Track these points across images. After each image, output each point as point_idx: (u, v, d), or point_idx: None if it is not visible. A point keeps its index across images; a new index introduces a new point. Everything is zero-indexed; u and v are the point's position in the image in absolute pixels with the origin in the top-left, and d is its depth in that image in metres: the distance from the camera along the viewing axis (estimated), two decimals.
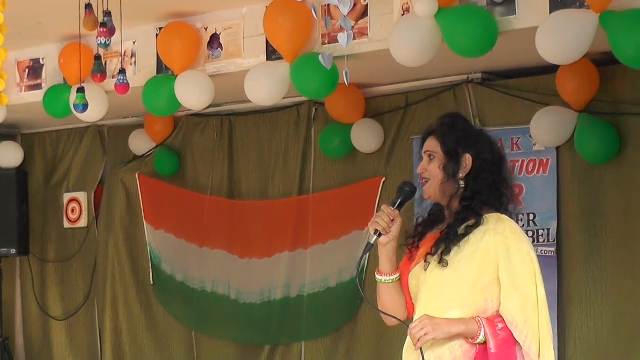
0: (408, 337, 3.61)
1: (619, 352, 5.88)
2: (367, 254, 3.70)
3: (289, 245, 7.18)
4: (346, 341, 7.00)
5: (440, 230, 3.70)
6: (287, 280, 7.18)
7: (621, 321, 5.89)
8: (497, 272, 3.56)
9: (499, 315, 3.56)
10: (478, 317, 3.56)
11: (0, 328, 8.28)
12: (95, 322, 8.19)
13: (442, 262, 3.60)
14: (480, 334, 3.53)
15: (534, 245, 6.10)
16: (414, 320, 3.60)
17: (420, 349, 3.53)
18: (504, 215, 3.65)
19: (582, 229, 6.05)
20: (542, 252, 6.13)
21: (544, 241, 6.13)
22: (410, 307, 3.77)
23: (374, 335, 6.78)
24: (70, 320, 8.37)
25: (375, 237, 3.67)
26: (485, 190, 3.66)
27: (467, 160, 3.67)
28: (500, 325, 3.54)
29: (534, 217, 6.18)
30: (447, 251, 3.60)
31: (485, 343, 3.54)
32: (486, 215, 3.62)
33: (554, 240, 6.10)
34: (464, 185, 3.67)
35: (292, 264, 7.17)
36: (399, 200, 3.71)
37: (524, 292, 3.55)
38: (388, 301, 3.76)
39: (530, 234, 6.17)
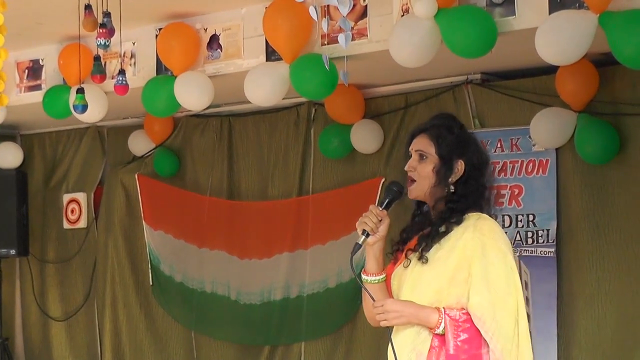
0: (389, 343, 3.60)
1: (623, 353, 5.86)
2: (355, 253, 3.64)
3: (289, 245, 7.17)
4: (346, 342, 6.99)
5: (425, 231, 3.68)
6: (287, 280, 7.18)
7: (625, 322, 5.88)
8: (470, 268, 3.53)
9: (465, 313, 3.51)
10: (442, 308, 3.51)
11: (0, 329, 8.28)
12: (95, 323, 8.19)
13: (421, 258, 3.57)
14: (440, 323, 3.49)
15: (534, 246, 6.12)
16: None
17: (389, 330, 3.57)
18: (484, 215, 3.62)
19: (584, 229, 6.03)
20: (542, 252, 6.12)
21: (543, 242, 6.13)
22: None
23: (373, 336, 6.77)
24: (69, 321, 8.37)
25: (363, 237, 3.62)
26: (472, 194, 3.64)
27: (460, 166, 3.64)
28: (465, 325, 3.49)
29: (533, 218, 6.18)
30: (427, 247, 3.58)
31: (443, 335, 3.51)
32: (468, 214, 3.60)
33: (553, 241, 6.09)
34: (453, 190, 3.63)
35: (292, 264, 7.16)
36: (387, 200, 3.66)
37: (495, 289, 3.49)
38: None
39: (530, 234, 6.17)
